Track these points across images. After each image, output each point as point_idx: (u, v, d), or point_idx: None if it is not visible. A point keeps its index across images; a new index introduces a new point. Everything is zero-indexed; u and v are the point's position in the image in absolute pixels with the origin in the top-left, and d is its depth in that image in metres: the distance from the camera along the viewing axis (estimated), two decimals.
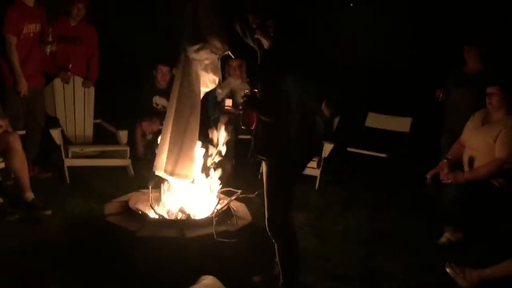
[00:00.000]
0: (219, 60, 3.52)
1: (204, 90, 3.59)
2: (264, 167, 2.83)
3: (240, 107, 2.72)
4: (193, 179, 3.52)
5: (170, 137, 3.56)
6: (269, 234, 2.81)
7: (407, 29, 6.17)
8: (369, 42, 6.06)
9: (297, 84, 2.62)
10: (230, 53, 3.51)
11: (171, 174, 3.49)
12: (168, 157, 3.53)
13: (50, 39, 4.73)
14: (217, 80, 3.56)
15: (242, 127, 2.76)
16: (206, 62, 3.43)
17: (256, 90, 2.76)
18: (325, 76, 3.21)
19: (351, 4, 6.90)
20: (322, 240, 3.87)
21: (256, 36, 2.81)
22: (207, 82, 3.55)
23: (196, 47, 3.35)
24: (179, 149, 3.47)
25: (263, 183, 4.90)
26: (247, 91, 2.74)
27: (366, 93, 6.01)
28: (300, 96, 2.64)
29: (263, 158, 2.78)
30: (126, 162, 5.13)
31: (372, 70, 6.19)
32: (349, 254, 3.64)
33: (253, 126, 2.76)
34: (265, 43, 2.79)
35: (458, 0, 5.79)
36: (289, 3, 2.89)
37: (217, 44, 3.35)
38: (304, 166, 2.93)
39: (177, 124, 3.52)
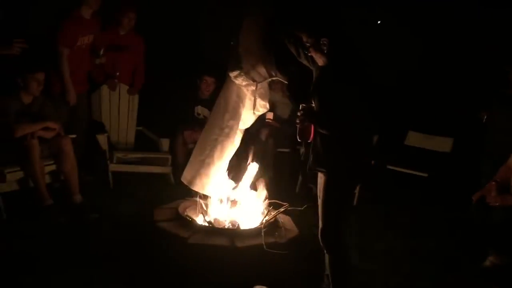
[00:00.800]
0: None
1: (256, 113, 3.60)
2: (321, 179, 2.86)
3: (298, 121, 2.79)
4: (209, 193, 3.58)
5: (196, 147, 3.69)
6: (322, 245, 2.84)
7: (450, 49, 6.17)
8: (412, 59, 6.08)
9: (355, 98, 2.68)
10: (281, 79, 3.55)
11: (189, 183, 3.59)
12: (189, 166, 3.64)
13: (101, 52, 4.89)
14: (267, 105, 3.57)
15: (299, 140, 2.82)
16: (252, 87, 3.45)
17: (313, 104, 2.82)
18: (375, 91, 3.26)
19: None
20: (364, 258, 3.85)
21: (310, 54, 2.88)
22: (258, 106, 3.56)
23: (234, 73, 3.42)
24: (201, 162, 3.56)
25: (301, 195, 5.02)
26: (304, 104, 2.79)
27: (405, 111, 6.01)
28: (358, 110, 2.70)
29: (322, 170, 2.82)
30: (167, 169, 5.23)
31: (413, 88, 6.19)
32: (394, 273, 3.64)
33: (310, 139, 2.82)
34: (320, 61, 2.86)
35: (501, 21, 5.76)
36: (338, 20, 2.96)
37: (261, 70, 3.37)
38: (360, 180, 2.96)
39: (205, 138, 3.62)
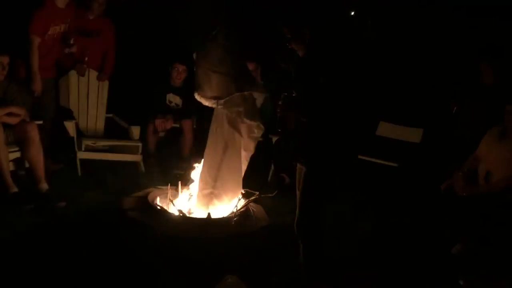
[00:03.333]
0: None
1: (254, 137, 3.51)
2: (301, 170, 2.86)
3: (278, 110, 2.77)
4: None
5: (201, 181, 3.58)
6: (297, 234, 2.84)
7: (421, 39, 6.23)
8: (385, 50, 6.12)
9: (336, 86, 2.68)
10: (256, 95, 3.50)
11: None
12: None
13: (72, 42, 4.76)
14: (260, 125, 3.47)
15: (279, 130, 2.81)
16: (237, 109, 3.38)
17: (294, 94, 2.81)
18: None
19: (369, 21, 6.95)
20: (337, 246, 3.84)
21: (291, 46, 2.88)
22: (253, 129, 3.49)
23: (197, 94, 3.44)
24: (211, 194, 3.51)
25: (273, 184, 5.01)
26: (286, 94, 2.78)
27: (376, 101, 6.03)
28: (339, 97, 2.70)
29: (303, 160, 2.82)
30: (138, 157, 5.14)
31: (385, 79, 6.23)
32: (366, 262, 3.64)
33: (291, 129, 2.81)
34: (300, 51, 2.86)
35: (472, 13, 5.84)
36: (317, 11, 2.97)
37: (231, 86, 3.35)
38: (341, 172, 2.95)
39: (208, 170, 3.55)
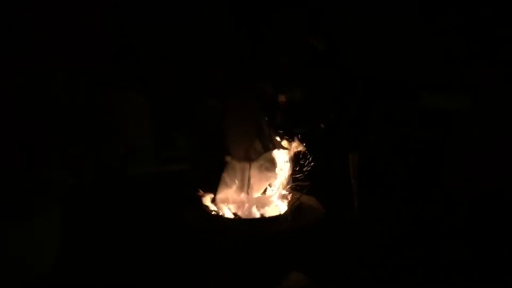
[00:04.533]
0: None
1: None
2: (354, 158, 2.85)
3: None
4: None
5: None
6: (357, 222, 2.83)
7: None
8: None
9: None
10: (281, 147, 3.52)
11: None
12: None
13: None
14: (276, 177, 3.51)
15: None
16: (260, 162, 3.46)
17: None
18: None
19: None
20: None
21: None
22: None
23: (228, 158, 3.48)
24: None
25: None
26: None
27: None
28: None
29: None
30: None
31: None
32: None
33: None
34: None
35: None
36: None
37: (257, 146, 3.43)
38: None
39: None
